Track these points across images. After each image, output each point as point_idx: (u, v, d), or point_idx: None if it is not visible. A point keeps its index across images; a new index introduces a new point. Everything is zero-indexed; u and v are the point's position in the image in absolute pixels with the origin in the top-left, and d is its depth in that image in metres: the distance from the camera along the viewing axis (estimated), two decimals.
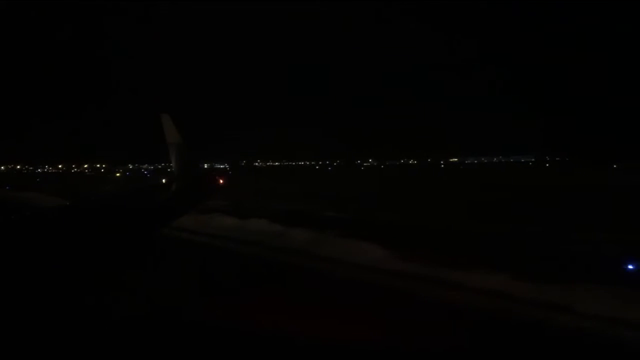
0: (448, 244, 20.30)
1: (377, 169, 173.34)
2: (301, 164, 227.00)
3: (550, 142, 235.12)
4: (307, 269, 18.32)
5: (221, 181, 20.33)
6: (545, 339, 11.23)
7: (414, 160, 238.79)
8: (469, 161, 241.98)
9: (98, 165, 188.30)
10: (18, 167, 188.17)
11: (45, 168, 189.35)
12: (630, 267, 16.10)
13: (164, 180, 23.43)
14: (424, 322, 12.38)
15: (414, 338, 11.02)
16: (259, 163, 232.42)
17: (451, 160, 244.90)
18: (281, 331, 11.18)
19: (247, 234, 24.63)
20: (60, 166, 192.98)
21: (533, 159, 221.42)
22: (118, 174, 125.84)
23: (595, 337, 11.27)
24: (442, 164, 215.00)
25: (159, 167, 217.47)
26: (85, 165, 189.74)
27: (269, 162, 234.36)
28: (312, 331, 11.33)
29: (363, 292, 15.28)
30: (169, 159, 18.92)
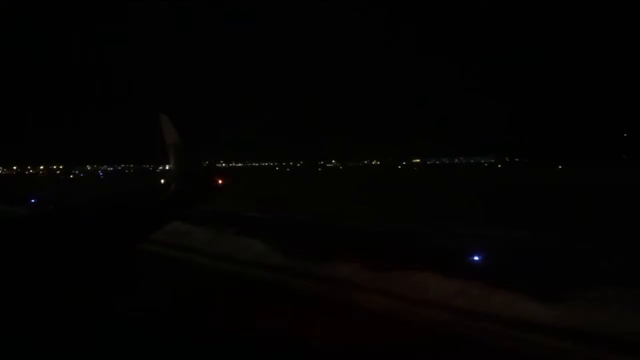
0: (332, 240, 22.07)
1: (336, 169, 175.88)
2: (264, 165, 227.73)
3: (513, 144, 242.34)
4: (195, 265, 19.77)
5: (220, 181, 20.95)
6: (358, 320, 13.01)
7: (376, 161, 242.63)
8: (430, 162, 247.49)
9: (54, 167, 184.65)
10: None
11: None
12: (475, 258, 18.04)
13: (162, 181, 23.81)
14: (268, 308, 14.07)
15: (254, 322, 12.63)
16: (221, 164, 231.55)
17: (414, 161, 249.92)
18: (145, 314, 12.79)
19: (160, 233, 25.76)
20: (14, 167, 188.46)
21: (493, 160, 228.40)
22: (71, 176, 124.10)
23: (404, 319, 13.08)
24: (403, 164, 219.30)
25: (119, 168, 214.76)
26: (41, 167, 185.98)
27: (231, 163, 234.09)
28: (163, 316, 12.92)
29: (231, 284, 17.00)
30: (167, 159, 19.16)
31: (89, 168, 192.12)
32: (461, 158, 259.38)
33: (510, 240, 22.09)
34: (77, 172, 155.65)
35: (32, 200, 42.33)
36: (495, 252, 17.79)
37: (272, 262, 18.77)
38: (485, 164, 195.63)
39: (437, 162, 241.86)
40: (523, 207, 36.99)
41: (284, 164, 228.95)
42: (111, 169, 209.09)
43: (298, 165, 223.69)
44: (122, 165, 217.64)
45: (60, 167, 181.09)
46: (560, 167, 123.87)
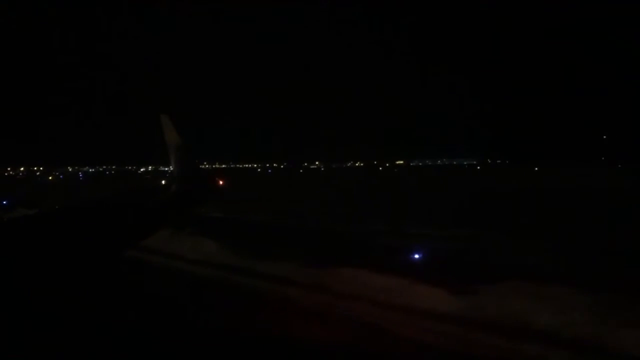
0: (280, 240, 22.91)
1: (317, 171, 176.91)
2: (247, 167, 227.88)
3: (495, 146, 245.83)
4: (147, 263, 20.45)
5: (221, 182, 21.23)
6: (284, 312, 13.86)
7: (360, 163, 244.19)
8: (413, 164, 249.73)
9: (35, 168, 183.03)
10: None
11: None
12: (417, 256, 18.98)
13: (163, 182, 23.80)
14: (206, 303, 14.90)
15: (187, 315, 13.43)
16: (204, 165, 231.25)
17: (397, 162, 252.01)
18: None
19: None
20: None
21: (475, 162, 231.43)
22: (50, 177, 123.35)
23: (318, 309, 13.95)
24: (386, 166, 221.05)
25: (100, 169, 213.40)
26: (22, 168, 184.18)
27: (215, 164, 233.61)
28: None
29: (179, 281, 17.79)
30: (169, 160, 18.97)
31: (70, 169, 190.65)
32: (444, 160, 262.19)
33: (451, 239, 23.10)
34: (57, 173, 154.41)
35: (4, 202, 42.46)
36: (429, 251, 18.72)
37: (220, 261, 19.57)
38: (466, 166, 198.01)
39: (420, 164, 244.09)
40: (481, 208, 38.18)
41: (267, 165, 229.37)
42: (93, 170, 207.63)
43: (281, 166, 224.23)
44: (104, 167, 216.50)
45: (41, 168, 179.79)
46: (536, 168, 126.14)
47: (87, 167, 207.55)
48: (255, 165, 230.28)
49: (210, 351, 10.53)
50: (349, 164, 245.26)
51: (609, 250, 20.07)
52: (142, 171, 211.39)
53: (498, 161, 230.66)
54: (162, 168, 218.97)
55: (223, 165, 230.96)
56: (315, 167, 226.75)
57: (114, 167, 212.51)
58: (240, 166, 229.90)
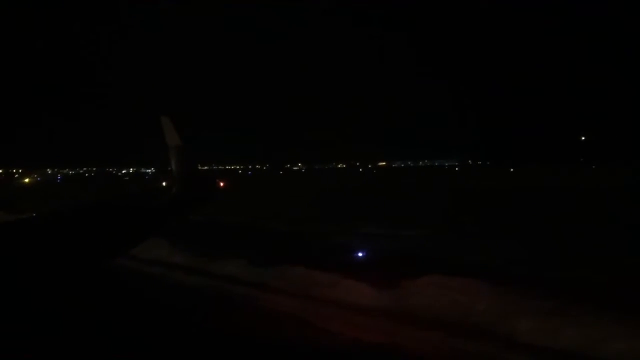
0: (234, 241, 23.86)
1: (298, 173, 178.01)
2: (229, 168, 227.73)
3: (477, 148, 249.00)
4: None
5: (222, 184, 21.53)
6: (222, 308, 14.80)
7: (342, 165, 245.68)
8: (396, 165, 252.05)
9: (14, 170, 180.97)
10: None
11: None
12: (360, 254, 20.06)
13: (164, 184, 23.89)
14: (151, 300, 15.78)
15: (131, 311, 14.26)
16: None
17: (380, 164, 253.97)
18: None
19: None
20: None
21: (457, 164, 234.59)
22: (27, 180, 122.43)
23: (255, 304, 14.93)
24: (368, 167, 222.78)
25: (81, 171, 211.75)
26: (0, 171, 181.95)
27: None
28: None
29: (125, 279, 18.59)
30: (169, 161, 18.93)
31: (49, 172, 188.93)
32: (426, 161, 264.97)
33: (398, 238, 24.28)
34: (35, 176, 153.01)
35: None
36: (370, 250, 19.84)
37: (174, 261, 20.45)
38: (446, 167, 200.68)
39: (402, 165, 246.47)
40: (442, 208, 39.47)
41: (250, 167, 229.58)
42: (73, 172, 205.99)
43: (264, 168, 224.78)
44: (85, 169, 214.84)
45: (20, 171, 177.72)
46: (512, 170, 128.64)
47: (67, 170, 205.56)
48: (237, 167, 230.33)
49: (125, 335, 11.21)
50: (331, 166, 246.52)
51: (547, 247, 21.43)
52: (123, 173, 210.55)
53: (479, 162, 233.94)
54: (143, 170, 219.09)
55: (205, 167, 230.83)
56: (298, 169, 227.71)
57: (94, 169, 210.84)
58: (223, 168, 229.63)
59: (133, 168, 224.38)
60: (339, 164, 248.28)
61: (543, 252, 20.59)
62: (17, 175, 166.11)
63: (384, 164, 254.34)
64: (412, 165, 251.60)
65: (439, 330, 12.13)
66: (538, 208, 38.47)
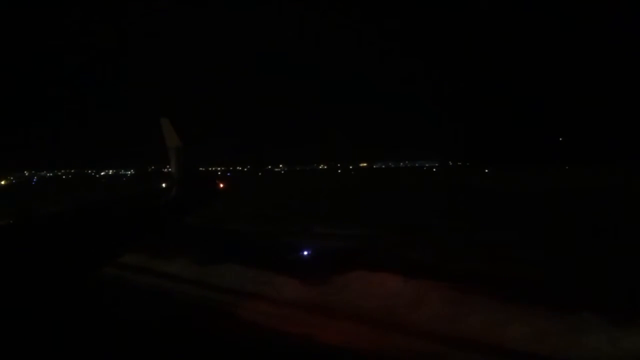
0: (186, 240, 24.62)
1: (278, 173, 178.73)
2: (210, 169, 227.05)
3: (459, 149, 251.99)
4: None
5: (221, 185, 21.77)
6: (156, 303, 15.57)
7: (324, 165, 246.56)
8: (377, 166, 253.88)
9: None
10: None
11: None
12: (304, 253, 21.00)
13: (164, 185, 23.81)
14: (93, 298, 16.44)
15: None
16: (167, 169, 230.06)
17: (361, 165, 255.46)
18: None
19: None
20: None
21: (436, 164, 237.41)
22: (3, 182, 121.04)
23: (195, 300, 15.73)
24: (349, 168, 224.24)
25: (58, 173, 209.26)
26: None
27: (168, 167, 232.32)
28: None
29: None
30: (169, 162, 18.82)
31: (26, 174, 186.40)
32: (407, 162, 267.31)
33: (346, 237, 25.30)
34: (11, 178, 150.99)
35: None
36: (316, 248, 20.82)
37: (123, 261, 21.06)
38: (425, 168, 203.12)
39: (383, 166, 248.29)
40: (403, 208, 40.65)
41: (230, 168, 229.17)
42: (51, 174, 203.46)
43: (245, 169, 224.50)
44: (63, 171, 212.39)
45: None
46: (486, 170, 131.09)
47: (44, 172, 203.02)
48: (217, 168, 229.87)
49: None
50: (313, 166, 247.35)
51: (483, 244, 22.63)
52: (102, 174, 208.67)
53: (459, 163, 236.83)
54: (122, 172, 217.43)
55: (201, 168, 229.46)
56: (279, 169, 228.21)
57: (72, 171, 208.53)
58: (203, 169, 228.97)
59: (112, 170, 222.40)
60: (320, 165, 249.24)
61: (476, 248, 21.80)
62: None
63: (365, 164, 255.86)
64: (392, 165, 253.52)
65: (351, 320, 13.10)
66: (492, 208, 39.92)
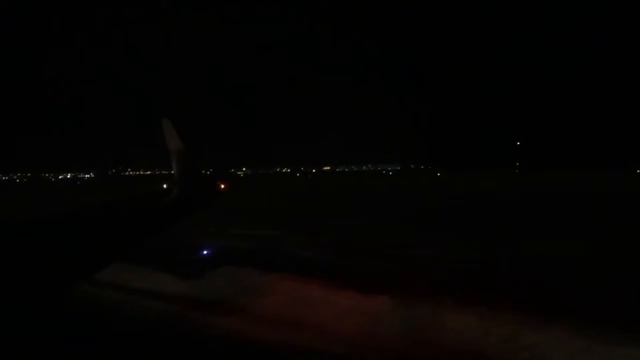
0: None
1: (237, 177, 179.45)
2: (165, 173, 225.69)
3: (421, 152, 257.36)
4: None
5: (222, 186, 22.27)
6: None
7: (287, 169, 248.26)
8: (339, 169, 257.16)
9: None
10: None
11: None
12: (204, 252, 22.74)
13: (165, 186, 23.80)
14: None
15: None
16: (129, 172, 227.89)
17: (324, 168, 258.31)
18: None
19: None
20: None
21: (398, 168, 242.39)
22: None
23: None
24: (312, 171, 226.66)
25: (14, 177, 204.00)
26: None
27: (140, 170, 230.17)
28: None
29: None
30: (170, 164, 18.39)
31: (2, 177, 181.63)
32: (369, 165, 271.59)
33: (252, 237, 27.32)
34: None
35: None
36: (216, 248, 22.65)
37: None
38: (383, 172, 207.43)
39: (346, 170, 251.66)
40: (331, 208, 42.88)
41: None
42: (6, 177, 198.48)
43: (207, 172, 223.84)
44: (18, 174, 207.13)
45: None
46: (438, 174, 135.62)
47: (19, 173, 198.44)
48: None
49: None
50: (277, 170, 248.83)
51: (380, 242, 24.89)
52: (60, 178, 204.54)
53: (421, 166, 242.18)
54: (81, 175, 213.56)
55: (148, 172, 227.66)
56: (242, 173, 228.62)
57: (28, 174, 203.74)
58: (161, 172, 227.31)
59: (71, 173, 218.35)
60: (283, 168, 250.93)
61: (370, 247, 24.07)
62: None
63: (328, 168, 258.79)
64: (355, 169, 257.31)
65: (206, 309, 15.03)
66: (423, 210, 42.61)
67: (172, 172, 17.90)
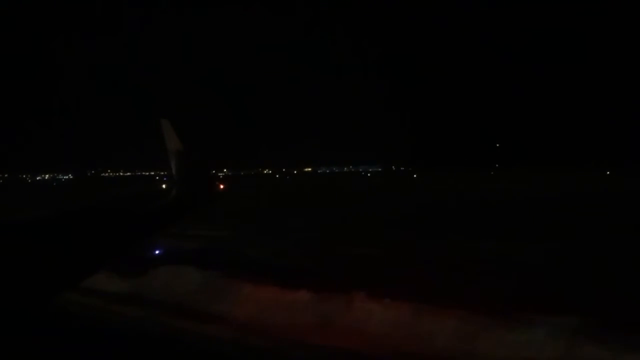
0: None
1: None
2: (148, 174, 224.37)
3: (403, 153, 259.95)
4: None
5: (222, 187, 22.53)
6: None
7: (268, 170, 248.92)
8: (321, 171, 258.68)
9: None
10: None
11: None
12: (157, 252, 23.59)
13: (164, 186, 23.83)
14: None
15: None
16: (107, 173, 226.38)
17: (305, 169, 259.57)
18: None
19: None
20: None
21: (379, 169, 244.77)
22: None
23: None
24: (293, 173, 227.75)
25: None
26: None
27: (120, 172, 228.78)
28: None
29: None
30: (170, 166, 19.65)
31: None
32: (350, 167, 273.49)
33: (212, 238, 28.36)
34: None
35: None
36: (168, 248, 23.50)
37: None
38: (363, 173, 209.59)
39: (327, 171, 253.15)
40: (297, 210, 44.03)
41: (165, 172, 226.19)
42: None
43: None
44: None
45: None
46: (415, 175, 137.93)
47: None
48: (150, 173, 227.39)
49: None
50: (258, 171, 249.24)
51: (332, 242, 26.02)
52: (38, 179, 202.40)
53: (402, 168, 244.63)
54: (59, 177, 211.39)
55: (128, 173, 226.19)
56: (223, 174, 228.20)
57: (5, 175, 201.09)
58: (140, 174, 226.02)
59: (49, 174, 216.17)
60: (265, 170, 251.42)
61: (313, 247, 25.20)
62: None
63: (310, 169, 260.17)
64: (336, 170, 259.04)
65: (141, 306, 16.01)
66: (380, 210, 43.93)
67: (173, 172, 18.73)
